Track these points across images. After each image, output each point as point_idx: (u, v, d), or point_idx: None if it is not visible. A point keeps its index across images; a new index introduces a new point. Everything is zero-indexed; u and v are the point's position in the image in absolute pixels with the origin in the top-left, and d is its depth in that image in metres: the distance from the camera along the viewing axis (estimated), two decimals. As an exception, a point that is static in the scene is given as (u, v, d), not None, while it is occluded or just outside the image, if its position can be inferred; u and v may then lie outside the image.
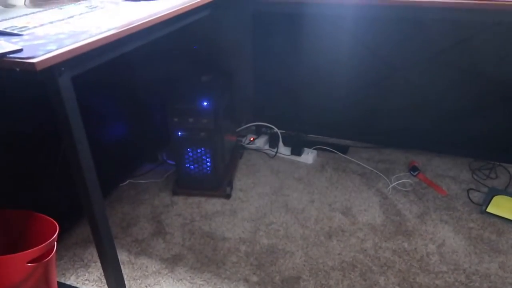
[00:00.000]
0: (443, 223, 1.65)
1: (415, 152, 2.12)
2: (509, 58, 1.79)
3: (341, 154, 2.13)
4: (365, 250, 1.53)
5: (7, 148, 1.36)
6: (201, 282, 1.40)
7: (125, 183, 1.93)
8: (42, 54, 0.87)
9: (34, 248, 1.04)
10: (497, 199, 1.73)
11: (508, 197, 1.74)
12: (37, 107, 1.40)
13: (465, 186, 1.86)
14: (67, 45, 0.93)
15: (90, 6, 1.33)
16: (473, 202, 1.76)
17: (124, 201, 1.82)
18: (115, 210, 1.76)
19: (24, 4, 1.48)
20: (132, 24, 1.11)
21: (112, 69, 1.72)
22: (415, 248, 1.53)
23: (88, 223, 1.10)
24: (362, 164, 2.05)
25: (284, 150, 2.15)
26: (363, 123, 2.16)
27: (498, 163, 2.01)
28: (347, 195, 1.83)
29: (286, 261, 1.48)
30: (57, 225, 1.15)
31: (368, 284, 1.38)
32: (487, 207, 1.70)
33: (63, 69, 0.92)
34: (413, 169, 1.97)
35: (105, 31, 1.04)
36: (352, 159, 2.09)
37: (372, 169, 2.01)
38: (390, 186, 1.88)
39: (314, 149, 2.16)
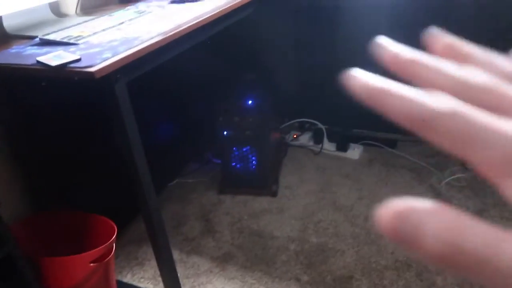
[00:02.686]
0: (504, 220, 1.56)
1: (469, 145, 2.01)
2: None
3: (389, 149, 2.06)
4: (420, 249, 1.47)
5: (65, 150, 1.43)
6: (253, 281, 1.40)
7: (173, 182, 1.97)
8: (99, 63, 0.90)
9: (96, 249, 1.09)
10: None
11: None
12: (88, 110, 1.46)
13: (527, 181, 1.74)
14: (121, 52, 0.96)
15: (138, 11, 1.36)
16: (536, 198, 1.65)
17: (173, 200, 1.86)
18: (165, 209, 1.80)
19: (76, 12, 1.54)
20: (180, 27, 1.12)
21: (157, 71, 1.76)
22: (474, 247, 1.45)
23: (143, 221, 1.13)
24: (411, 159, 1.97)
25: (329, 146, 2.12)
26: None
27: None
28: (398, 192, 1.77)
29: (337, 260, 1.46)
30: (115, 226, 1.20)
31: (425, 285, 1.33)
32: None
33: (118, 76, 0.94)
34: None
35: (155, 36, 1.06)
36: (401, 154, 2.01)
37: (423, 163, 1.93)
38: (444, 181, 1.80)
39: (360, 144, 2.10)
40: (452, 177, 1.81)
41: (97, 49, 1.00)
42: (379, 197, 1.75)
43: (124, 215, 1.70)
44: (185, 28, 1.13)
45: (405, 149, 2.04)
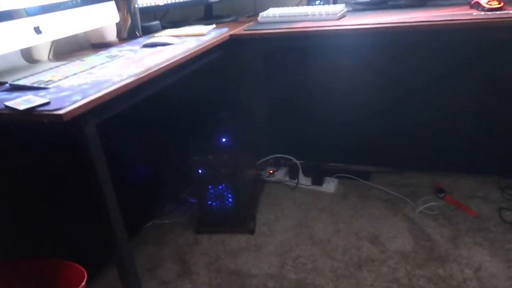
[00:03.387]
0: (477, 246, 1.59)
1: (439, 174, 2.07)
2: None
3: (363, 181, 2.10)
4: (398, 279, 1.47)
5: (33, 194, 1.40)
6: (231, 323, 1.36)
7: (149, 224, 1.94)
8: (68, 105, 0.91)
9: (65, 296, 1.04)
10: (531, 218, 1.66)
11: (543, 215, 1.67)
12: (59, 152, 1.45)
13: (496, 206, 1.80)
14: (91, 95, 0.97)
15: (110, 55, 1.39)
16: (506, 222, 1.69)
17: (149, 242, 1.82)
18: (141, 252, 1.75)
19: (48, 58, 1.56)
20: (150, 69, 1.15)
21: (131, 111, 1.77)
22: (451, 274, 1.47)
23: (116, 266, 1.10)
24: (385, 189, 2.01)
25: (304, 181, 2.14)
26: (383, 147, 2.14)
27: (527, 180, 1.95)
28: (374, 223, 1.79)
29: (317, 296, 1.44)
30: (85, 272, 1.16)
31: (405, 316, 1.33)
32: (522, 226, 1.63)
33: (88, 118, 0.95)
34: (438, 191, 1.93)
35: (125, 79, 1.09)
36: (375, 185, 2.05)
37: (396, 194, 1.96)
38: (417, 210, 1.83)
39: (335, 177, 2.13)
40: (425, 205, 1.85)
41: (67, 93, 1.01)
42: (355, 229, 1.76)
43: (100, 259, 1.65)
44: (155, 71, 1.16)
45: (379, 180, 2.09)
